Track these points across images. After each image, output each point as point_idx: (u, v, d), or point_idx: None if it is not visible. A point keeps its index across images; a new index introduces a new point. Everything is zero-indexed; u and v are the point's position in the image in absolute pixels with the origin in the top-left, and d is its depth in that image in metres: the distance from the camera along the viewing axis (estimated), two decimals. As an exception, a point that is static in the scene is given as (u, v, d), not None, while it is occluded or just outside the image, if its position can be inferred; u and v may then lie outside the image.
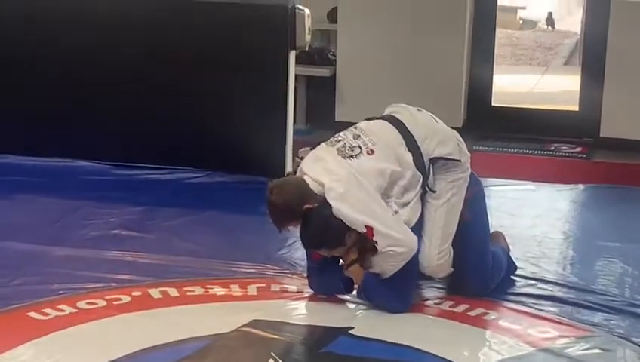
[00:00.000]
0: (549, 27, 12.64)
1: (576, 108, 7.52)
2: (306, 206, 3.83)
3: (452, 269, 4.08)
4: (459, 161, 4.03)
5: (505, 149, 7.17)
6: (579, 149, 7.15)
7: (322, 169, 3.89)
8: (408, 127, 4.00)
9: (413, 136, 3.98)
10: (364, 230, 3.78)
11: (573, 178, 6.30)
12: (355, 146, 3.93)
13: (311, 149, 4.14)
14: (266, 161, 5.85)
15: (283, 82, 5.87)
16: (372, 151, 3.92)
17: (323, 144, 4.02)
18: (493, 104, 7.72)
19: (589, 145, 7.22)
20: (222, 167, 5.98)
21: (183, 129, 6.04)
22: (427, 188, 3.97)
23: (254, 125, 5.95)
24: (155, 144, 6.08)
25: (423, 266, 4.01)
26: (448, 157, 4.01)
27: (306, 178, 3.90)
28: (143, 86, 6.06)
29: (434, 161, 3.99)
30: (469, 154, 4.14)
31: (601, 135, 7.18)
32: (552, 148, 7.18)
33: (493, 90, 7.71)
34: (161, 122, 6.06)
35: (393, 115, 4.09)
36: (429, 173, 3.98)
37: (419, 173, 3.94)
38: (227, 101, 5.98)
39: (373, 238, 3.78)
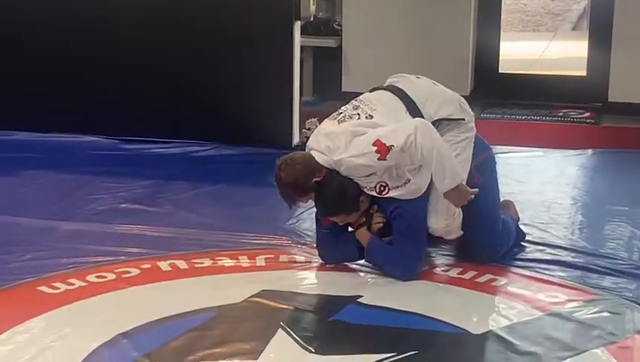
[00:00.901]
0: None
1: (584, 73, 7.48)
2: (315, 179, 3.85)
3: (462, 232, 4.08)
4: (462, 119, 4.03)
5: (513, 116, 7.14)
6: (587, 114, 7.12)
7: (324, 136, 3.92)
8: (408, 93, 4.01)
9: (413, 101, 3.99)
10: (375, 148, 3.76)
11: (581, 143, 6.29)
12: (354, 114, 3.96)
13: (318, 120, 4.16)
14: (273, 132, 5.86)
15: (289, 53, 5.87)
16: (371, 116, 3.94)
17: (326, 119, 4.05)
18: (500, 71, 7.67)
19: (598, 110, 7.18)
20: (229, 139, 5.99)
21: (189, 102, 6.06)
22: None
23: (261, 97, 5.95)
24: (163, 117, 6.09)
25: (432, 228, 4.02)
26: (451, 117, 4.02)
27: (312, 152, 3.92)
28: (148, 60, 6.07)
29: (437, 123, 3.98)
30: (473, 113, 4.14)
31: (609, 100, 7.14)
32: (561, 113, 7.15)
33: (500, 58, 7.67)
34: (167, 96, 6.07)
35: (393, 84, 4.10)
36: None
37: None
38: (233, 73, 5.99)
39: (386, 145, 3.76)
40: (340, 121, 3.95)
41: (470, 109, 4.13)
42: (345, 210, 3.93)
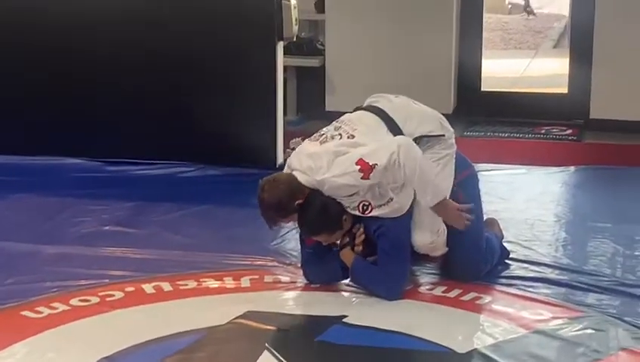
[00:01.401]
0: (529, 15, 12.51)
1: (565, 90, 7.52)
2: (297, 201, 3.85)
3: (447, 248, 4.07)
4: (442, 135, 4.04)
5: (495, 134, 7.16)
6: (569, 131, 7.15)
7: (306, 156, 3.92)
8: (388, 112, 4.03)
9: (393, 120, 4.00)
10: (358, 167, 3.77)
11: (564, 160, 6.31)
12: (336, 135, 3.96)
13: (302, 139, 4.16)
14: (257, 152, 5.85)
15: (272, 73, 5.86)
16: (352, 136, 3.94)
17: (307, 140, 4.05)
18: (482, 89, 7.71)
19: (580, 127, 7.21)
20: (214, 160, 5.97)
21: (173, 123, 6.03)
22: None
23: (245, 117, 5.94)
24: (146, 139, 6.06)
25: (417, 245, 4.02)
26: (431, 134, 4.03)
27: (294, 173, 3.91)
28: (132, 82, 6.04)
29: (417, 140, 3.99)
30: (453, 130, 4.15)
31: (590, 116, 7.18)
32: (543, 131, 7.18)
33: (482, 76, 7.70)
34: (151, 117, 6.04)
35: (372, 104, 4.12)
36: None
37: None
38: (216, 94, 5.97)
39: (369, 164, 3.77)
40: (321, 142, 3.95)
41: (450, 126, 4.14)
42: (328, 229, 3.93)
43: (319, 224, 3.91)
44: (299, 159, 3.96)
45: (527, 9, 12.43)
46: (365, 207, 3.88)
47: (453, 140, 4.13)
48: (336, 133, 3.97)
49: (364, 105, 4.16)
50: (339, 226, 3.93)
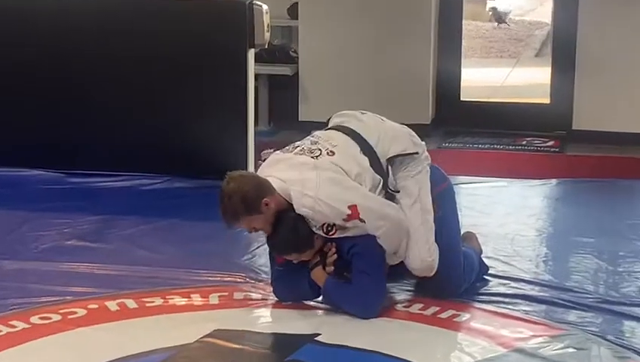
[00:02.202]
0: (498, 25, 12.55)
1: (547, 100, 7.57)
2: (265, 200, 3.84)
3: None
4: (415, 153, 4.07)
5: (475, 145, 7.20)
6: (551, 143, 7.20)
7: (289, 166, 3.92)
8: (360, 133, 4.06)
9: (366, 141, 4.03)
10: (349, 212, 3.81)
11: (546, 172, 6.35)
12: (314, 149, 3.98)
13: (274, 151, 4.16)
14: (226, 164, 5.77)
15: (242, 82, 5.87)
16: (332, 153, 3.96)
17: (278, 151, 4.06)
18: (462, 99, 7.75)
19: (562, 138, 7.27)
20: (181, 172, 5.96)
21: (138, 133, 6.02)
22: (389, 190, 3.99)
23: (214, 127, 5.95)
24: (110, 149, 6.05)
25: (415, 268, 4.05)
26: (404, 152, 4.06)
27: (268, 178, 3.91)
28: (95, 89, 6.04)
29: (391, 161, 4.03)
30: (424, 143, 4.19)
31: (573, 127, 7.24)
32: (524, 142, 7.23)
33: (462, 85, 7.74)
34: (115, 126, 6.03)
35: (342, 124, 4.13)
36: (388, 174, 4.03)
37: (378, 177, 3.99)
38: (184, 103, 5.97)
39: (359, 216, 3.81)
40: (297, 154, 3.96)
41: (420, 141, 4.17)
42: (298, 248, 3.93)
43: (290, 243, 3.92)
44: (276, 168, 3.95)
45: (498, 18, 12.47)
46: (330, 228, 3.89)
47: (427, 153, 4.17)
48: (315, 147, 3.98)
49: (332, 124, 4.18)
50: (309, 245, 3.94)
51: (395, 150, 4.04)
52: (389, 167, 4.04)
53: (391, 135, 4.09)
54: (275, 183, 3.89)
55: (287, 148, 4.07)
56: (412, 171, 4.07)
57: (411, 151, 4.07)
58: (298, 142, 4.08)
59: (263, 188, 3.87)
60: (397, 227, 3.94)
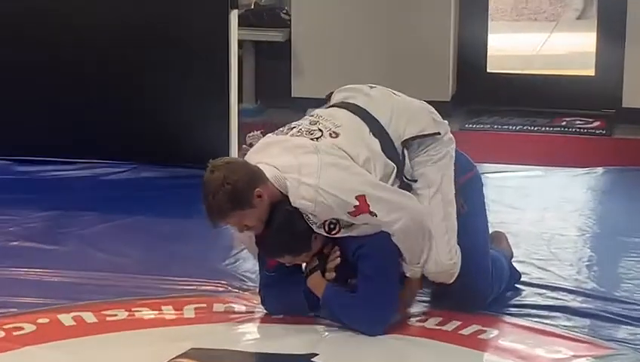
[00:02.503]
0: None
1: (592, 73, 7.57)
2: (257, 190, 3.83)
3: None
4: (437, 133, 4.06)
5: (504, 126, 7.21)
6: (596, 124, 7.21)
7: (284, 149, 3.91)
8: (369, 111, 4.05)
9: (377, 120, 4.02)
10: (356, 203, 3.80)
11: (590, 159, 6.36)
12: (314, 130, 3.96)
13: (262, 134, 4.16)
14: (204, 149, 5.82)
15: (223, 50, 5.87)
16: (336, 135, 3.95)
17: (270, 134, 4.05)
18: (489, 71, 7.75)
19: (609, 118, 7.27)
20: (150, 158, 5.99)
21: (100, 113, 6.03)
22: (405, 179, 3.99)
23: (190, 105, 5.96)
24: (66, 132, 6.06)
25: (431, 272, 4.04)
26: (423, 133, 4.04)
27: (259, 165, 3.91)
28: (48, 60, 6.05)
29: (407, 143, 4.01)
30: (447, 122, 4.18)
31: (623, 105, 7.24)
32: (564, 123, 7.23)
33: (488, 54, 7.74)
34: (70, 105, 6.04)
35: (347, 100, 4.13)
36: (404, 160, 4.01)
37: (391, 163, 3.97)
38: (155, 76, 5.99)
39: (369, 209, 3.81)
40: (293, 136, 3.95)
41: (443, 119, 4.16)
42: (293, 249, 3.93)
43: (283, 243, 3.91)
44: (268, 152, 3.95)
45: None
46: (333, 226, 3.87)
47: (450, 135, 4.16)
48: (314, 128, 3.97)
49: (334, 101, 4.17)
50: (307, 247, 3.94)
51: (412, 131, 4.04)
52: (405, 152, 4.03)
53: (408, 113, 4.08)
54: (267, 171, 3.88)
55: (280, 130, 4.06)
56: (433, 156, 4.05)
57: (432, 132, 4.06)
58: (294, 123, 4.07)
59: (255, 176, 3.86)
60: (417, 222, 3.92)
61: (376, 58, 7.25)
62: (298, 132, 3.98)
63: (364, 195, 3.83)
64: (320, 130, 3.97)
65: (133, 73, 6.00)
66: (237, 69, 6.02)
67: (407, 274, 4.02)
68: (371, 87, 4.18)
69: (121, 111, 5.99)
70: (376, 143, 3.98)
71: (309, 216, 3.87)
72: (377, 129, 4.01)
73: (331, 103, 4.18)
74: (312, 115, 4.09)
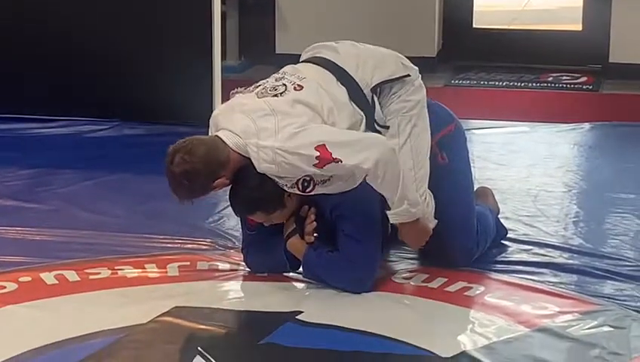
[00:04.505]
0: None
1: (579, 28, 7.57)
2: (219, 180, 3.82)
3: (436, 221, 4.07)
4: (407, 76, 4.04)
5: (491, 82, 7.22)
6: (583, 79, 7.22)
7: (242, 113, 3.87)
8: (335, 61, 4.03)
9: (343, 69, 4.00)
10: (317, 153, 3.75)
11: (576, 115, 6.37)
12: (279, 85, 3.94)
13: (245, 90, 4.14)
14: (187, 106, 5.84)
15: (206, 6, 5.84)
16: (300, 87, 3.92)
17: (239, 93, 4.03)
18: (475, 26, 7.74)
19: (596, 73, 7.27)
20: (131, 116, 5.97)
21: (80, 69, 6.02)
22: (378, 126, 3.97)
23: (171, 61, 5.95)
24: (46, 89, 6.04)
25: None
26: (392, 77, 4.02)
27: (221, 133, 3.87)
28: (26, 15, 6.02)
29: (376, 90, 4.00)
30: (417, 68, 4.12)
31: (610, 60, 7.24)
32: (550, 78, 7.24)
33: (474, 9, 7.73)
34: (52, 61, 6.02)
35: (315, 55, 4.11)
36: (374, 106, 3.99)
37: (359, 112, 3.95)
38: (136, 32, 5.97)
39: (332, 156, 3.76)
40: (258, 95, 3.93)
41: (411, 64, 4.12)
42: (263, 206, 3.90)
43: (252, 201, 3.89)
44: (230, 118, 3.92)
45: None
46: (306, 184, 3.85)
47: (421, 81, 4.11)
48: (279, 83, 3.95)
49: (302, 59, 4.15)
50: (279, 204, 3.92)
51: (381, 76, 4.00)
52: (375, 98, 4.01)
53: (374, 59, 4.05)
54: (230, 139, 3.85)
55: (249, 88, 4.04)
56: (404, 102, 3.99)
57: (401, 75, 4.03)
58: (261, 81, 4.05)
59: (218, 160, 3.82)
60: (388, 156, 3.82)
61: (361, 13, 7.22)
62: (263, 89, 3.95)
63: (323, 144, 3.77)
64: (284, 85, 3.94)
65: (115, 31, 5.96)
66: (220, 25, 5.99)
67: (393, 221, 3.95)
68: (337, 43, 4.15)
69: (104, 68, 5.96)
70: (342, 92, 3.95)
71: (275, 178, 3.85)
72: (344, 77, 3.98)
73: (301, 60, 4.17)
74: (279, 73, 4.06)
